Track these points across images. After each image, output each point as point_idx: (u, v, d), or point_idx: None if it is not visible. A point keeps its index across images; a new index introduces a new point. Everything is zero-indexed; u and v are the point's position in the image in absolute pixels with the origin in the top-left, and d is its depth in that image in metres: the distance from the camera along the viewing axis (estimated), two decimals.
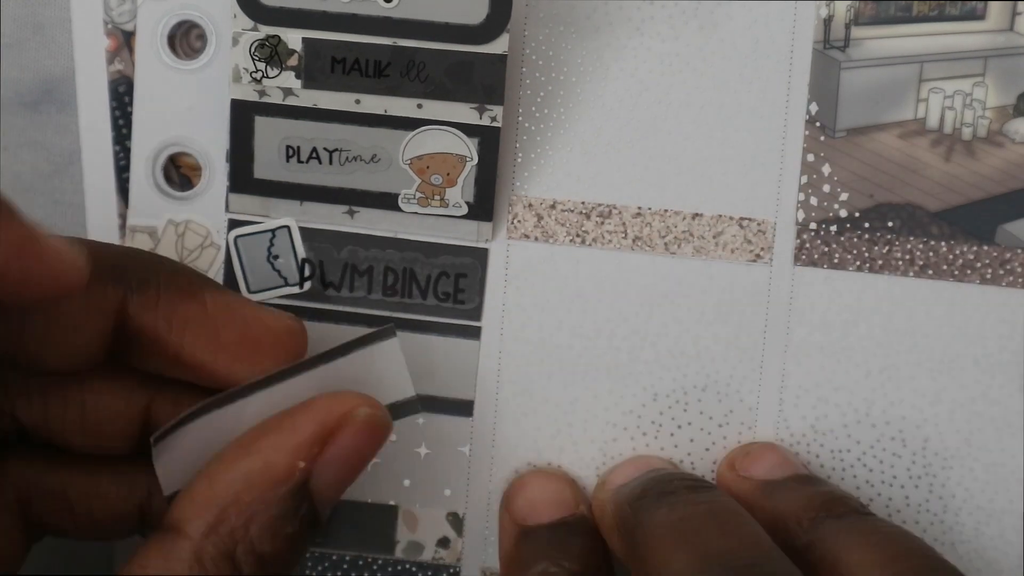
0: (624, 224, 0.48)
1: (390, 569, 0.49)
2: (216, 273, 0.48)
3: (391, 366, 0.43)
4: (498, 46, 0.45)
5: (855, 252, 0.48)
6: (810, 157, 0.48)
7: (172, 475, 0.42)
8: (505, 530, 0.48)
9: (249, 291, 0.48)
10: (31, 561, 0.50)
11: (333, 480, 0.41)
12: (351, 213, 0.48)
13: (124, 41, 0.48)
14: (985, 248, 0.48)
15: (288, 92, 0.46)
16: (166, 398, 0.43)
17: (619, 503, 0.45)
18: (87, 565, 0.51)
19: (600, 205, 0.48)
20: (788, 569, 0.40)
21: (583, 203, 0.48)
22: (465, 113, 0.46)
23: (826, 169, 0.48)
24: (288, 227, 0.48)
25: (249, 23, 0.45)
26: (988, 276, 0.48)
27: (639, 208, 0.48)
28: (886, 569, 0.40)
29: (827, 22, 0.48)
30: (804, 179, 0.48)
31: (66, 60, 0.48)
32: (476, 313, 0.48)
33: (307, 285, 0.48)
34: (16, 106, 0.48)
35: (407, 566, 0.49)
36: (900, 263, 0.48)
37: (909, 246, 0.48)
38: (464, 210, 0.47)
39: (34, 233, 0.35)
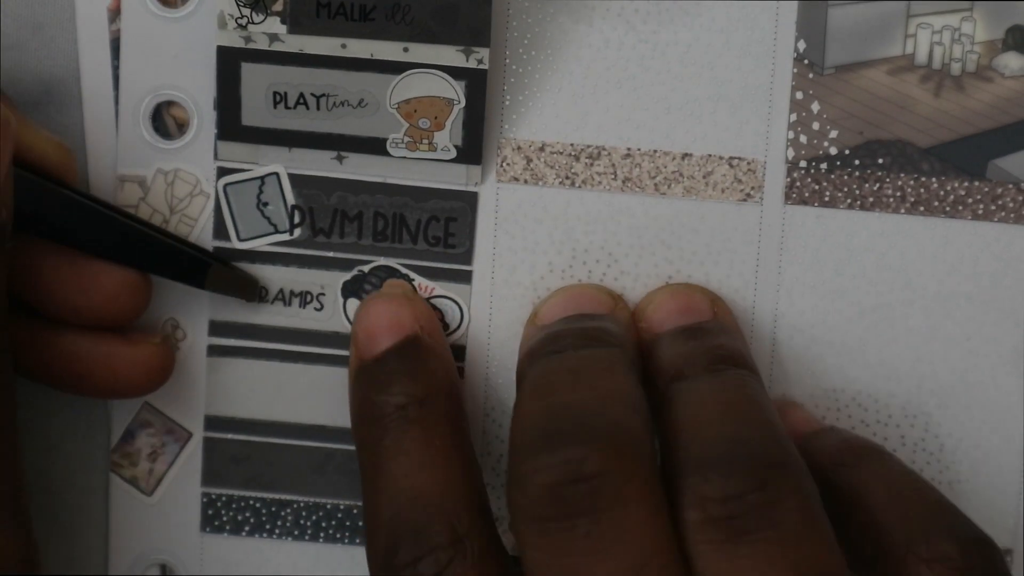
0: (613, 165, 0.48)
1: None
2: (206, 221, 0.48)
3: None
4: None
5: (846, 190, 0.48)
6: (799, 95, 0.48)
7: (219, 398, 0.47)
8: (350, 368, 0.47)
9: (240, 239, 0.48)
10: None
11: None
12: (340, 159, 0.47)
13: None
14: (976, 184, 0.48)
15: (274, 38, 0.46)
16: None
17: (521, 355, 0.46)
18: (84, 565, 0.51)
19: (589, 147, 0.48)
20: (633, 422, 0.40)
21: (572, 145, 0.48)
22: (451, 56, 0.46)
23: (815, 107, 0.48)
24: (277, 174, 0.48)
25: None
26: (980, 212, 0.48)
27: (628, 149, 0.48)
28: (712, 426, 0.41)
29: None
30: (793, 117, 0.48)
31: (66, 60, 0.48)
32: (467, 257, 0.48)
33: (297, 232, 0.48)
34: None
35: None
36: (891, 200, 0.48)
37: (900, 183, 0.48)
38: (452, 154, 0.47)
39: None
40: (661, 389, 0.44)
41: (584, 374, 0.42)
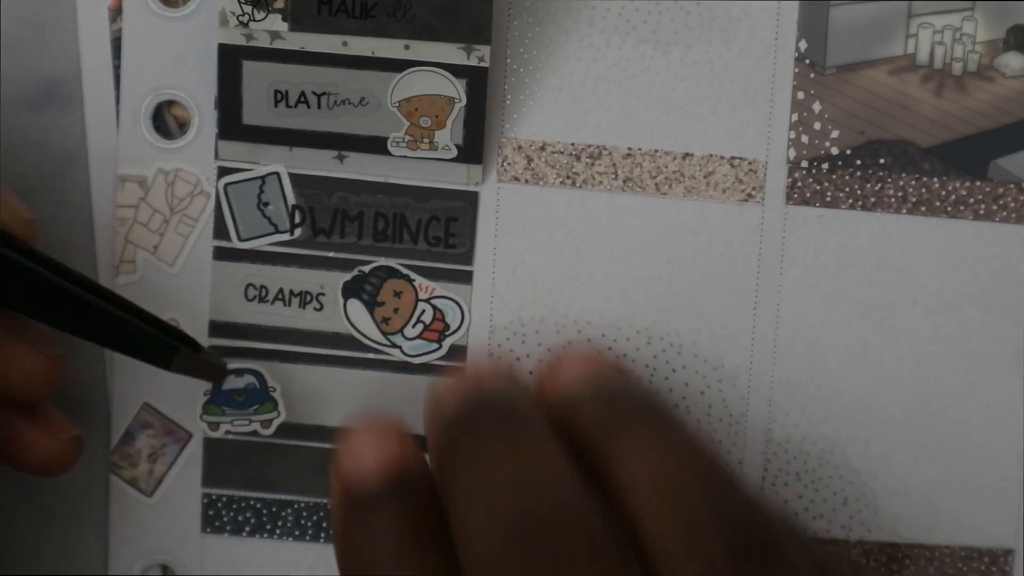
0: (614, 165, 0.48)
1: None
2: (207, 221, 0.48)
3: None
4: None
5: (847, 190, 0.48)
6: (800, 95, 0.48)
7: None
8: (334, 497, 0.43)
9: (240, 239, 0.48)
10: (23, 560, 0.50)
11: None
12: (341, 158, 0.47)
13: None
14: (978, 184, 0.48)
15: (275, 35, 0.46)
16: None
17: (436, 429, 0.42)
18: (85, 565, 0.51)
19: (590, 146, 0.48)
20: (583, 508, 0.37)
21: (573, 144, 0.48)
22: (452, 53, 0.46)
23: (816, 106, 0.48)
24: (278, 173, 0.48)
25: None
26: (982, 212, 0.48)
27: (629, 149, 0.48)
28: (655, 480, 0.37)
29: None
30: (795, 117, 0.48)
31: (67, 60, 0.48)
32: (467, 257, 0.48)
33: (298, 232, 0.48)
34: (17, 106, 0.48)
35: None
36: (893, 200, 0.48)
37: (901, 183, 0.48)
38: (453, 153, 0.47)
39: None
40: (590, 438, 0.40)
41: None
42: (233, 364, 0.48)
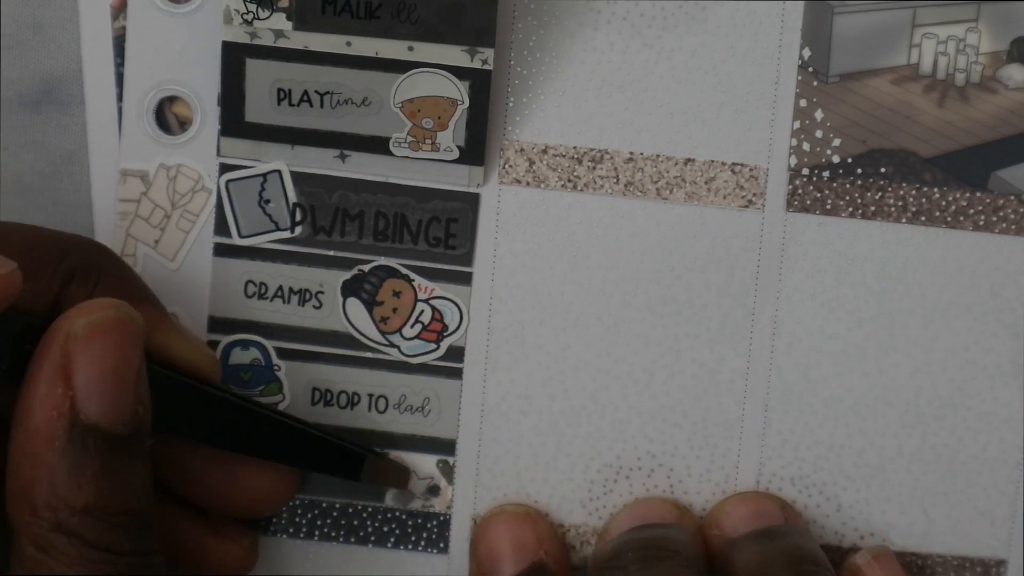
0: (616, 169, 0.48)
1: (380, 517, 0.49)
2: (207, 218, 0.48)
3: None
4: None
5: (848, 198, 0.48)
6: (803, 102, 0.48)
7: None
8: None
9: (240, 235, 0.48)
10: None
11: (104, 398, 0.38)
12: (342, 157, 0.47)
13: None
14: (978, 195, 0.48)
15: (279, 34, 0.46)
16: None
17: (590, 569, 0.47)
18: None
19: (592, 150, 0.48)
20: None
21: (575, 148, 0.48)
22: (456, 56, 0.46)
23: (819, 115, 0.48)
24: (279, 171, 0.48)
25: None
26: (981, 223, 0.48)
27: (631, 153, 0.48)
28: None
29: None
30: (796, 124, 0.48)
31: (66, 60, 0.48)
32: (467, 259, 0.48)
33: (298, 230, 0.48)
34: (16, 106, 0.48)
35: (397, 514, 0.49)
36: (893, 209, 0.48)
37: (902, 192, 0.48)
38: (455, 154, 0.47)
39: None
40: None
41: None
42: (236, 336, 0.49)
